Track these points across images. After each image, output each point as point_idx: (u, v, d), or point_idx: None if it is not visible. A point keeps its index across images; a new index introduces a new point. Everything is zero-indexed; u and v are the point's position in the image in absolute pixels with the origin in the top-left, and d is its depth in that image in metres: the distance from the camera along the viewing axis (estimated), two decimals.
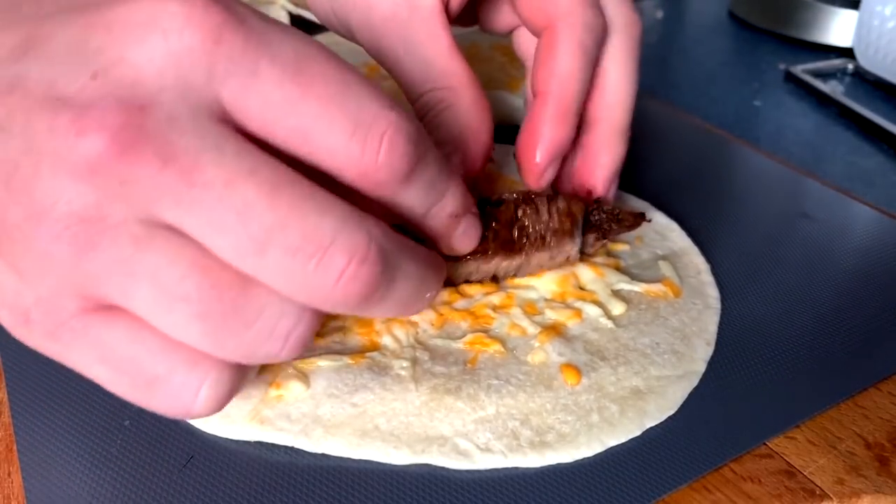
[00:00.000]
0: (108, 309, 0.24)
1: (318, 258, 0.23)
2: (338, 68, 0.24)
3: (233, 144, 0.22)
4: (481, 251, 0.36)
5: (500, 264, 0.37)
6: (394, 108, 0.25)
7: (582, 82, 0.37)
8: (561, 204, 0.37)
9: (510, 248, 0.37)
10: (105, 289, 0.23)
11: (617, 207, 0.40)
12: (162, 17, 0.22)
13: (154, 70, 0.22)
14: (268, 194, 0.22)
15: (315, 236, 0.23)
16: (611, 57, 0.39)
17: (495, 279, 0.39)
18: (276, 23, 0.24)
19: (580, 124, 0.39)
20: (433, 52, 0.36)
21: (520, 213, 0.37)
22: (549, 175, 0.38)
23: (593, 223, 0.39)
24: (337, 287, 0.24)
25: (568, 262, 0.39)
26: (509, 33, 0.44)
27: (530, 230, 0.37)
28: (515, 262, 0.37)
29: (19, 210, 0.22)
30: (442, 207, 0.30)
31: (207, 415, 0.25)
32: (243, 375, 0.26)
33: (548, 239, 0.37)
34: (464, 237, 0.33)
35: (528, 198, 0.37)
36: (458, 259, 0.36)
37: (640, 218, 0.40)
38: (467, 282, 0.38)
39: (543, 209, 0.37)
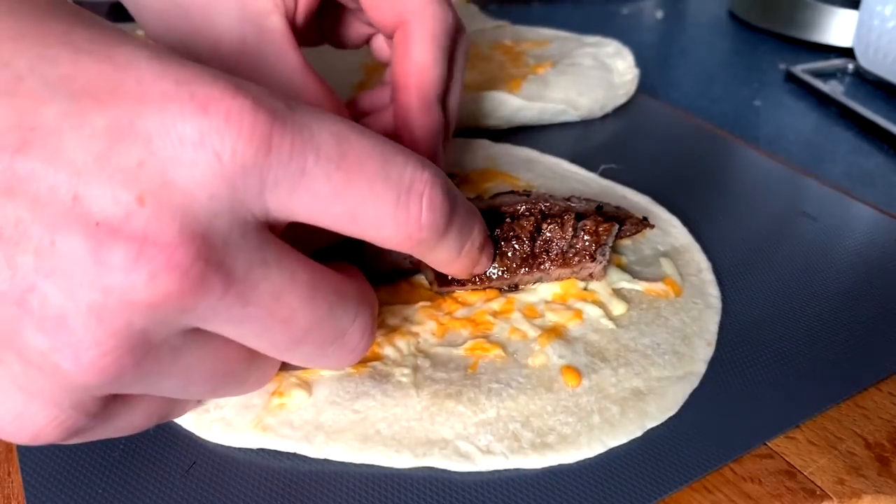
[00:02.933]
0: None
1: (338, 343, 0.26)
2: (373, 142, 0.24)
3: (273, 251, 0.23)
4: (503, 268, 0.37)
5: (521, 278, 0.38)
6: (425, 164, 0.25)
7: (439, 71, 0.38)
8: (589, 223, 0.37)
9: (531, 263, 0.37)
10: (132, 389, 0.23)
11: (623, 211, 0.40)
12: (210, 135, 0.20)
13: (206, 194, 0.20)
14: (308, 299, 0.23)
15: (339, 327, 0.25)
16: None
17: (514, 288, 0.39)
18: (305, 106, 0.23)
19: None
20: (287, 73, 0.37)
21: (543, 226, 0.37)
22: (441, 161, 0.39)
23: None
24: (344, 360, 0.27)
25: (591, 277, 0.39)
26: (362, 45, 0.46)
27: (553, 247, 0.37)
28: (536, 275, 0.38)
29: (43, 340, 0.20)
30: (472, 244, 0.30)
31: None
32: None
33: (570, 256, 0.37)
34: (485, 261, 0.34)
35: (553, 213, 0.37)
36: (482, 280, 0.37)
37: (644, 223, 0.41)
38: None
39: (569, 225, 0.37)
